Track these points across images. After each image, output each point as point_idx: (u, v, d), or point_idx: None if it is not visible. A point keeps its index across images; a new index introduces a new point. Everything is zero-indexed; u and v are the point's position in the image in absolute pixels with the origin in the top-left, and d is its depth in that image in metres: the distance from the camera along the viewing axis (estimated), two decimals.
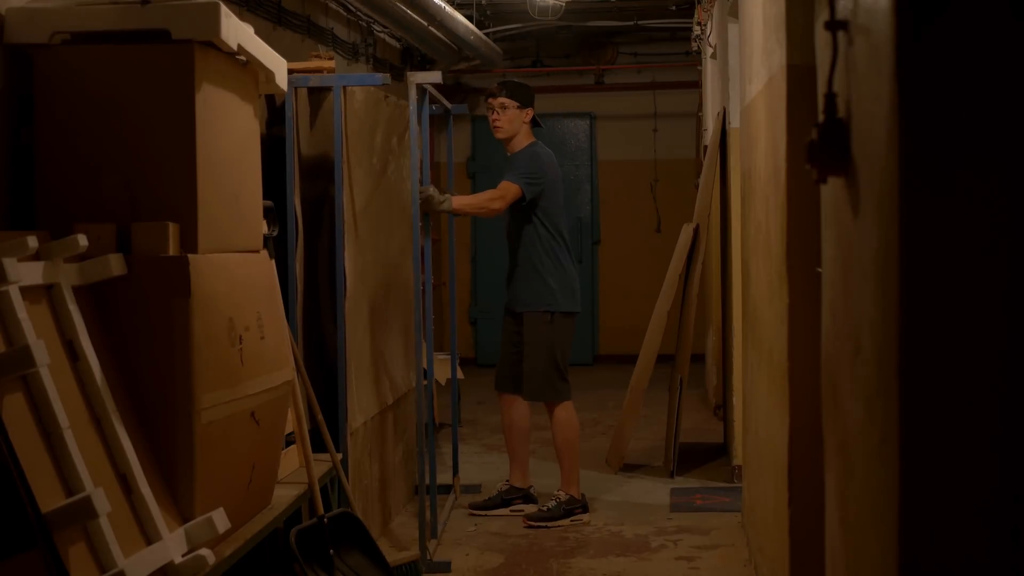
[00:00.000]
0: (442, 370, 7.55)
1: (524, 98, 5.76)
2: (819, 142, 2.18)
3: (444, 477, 6.54)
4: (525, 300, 5.70)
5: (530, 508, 5.78)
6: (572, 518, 5.63)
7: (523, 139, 5.76)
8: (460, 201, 5.59)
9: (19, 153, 3.45)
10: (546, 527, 5.54)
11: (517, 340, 5.78)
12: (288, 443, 4.38)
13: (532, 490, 5.91)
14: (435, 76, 5.11)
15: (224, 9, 3.48)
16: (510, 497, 5.86)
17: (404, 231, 5.89)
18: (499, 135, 5.78)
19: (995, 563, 1.70)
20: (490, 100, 5.77)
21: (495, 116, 5.75)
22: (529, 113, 5.74)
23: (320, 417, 4.61)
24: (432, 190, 5.40)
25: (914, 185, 1.72)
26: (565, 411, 5.73)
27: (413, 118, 5.05)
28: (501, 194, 5.58)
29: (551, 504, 5.67)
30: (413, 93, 5.00)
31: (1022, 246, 1.69)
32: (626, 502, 5.98)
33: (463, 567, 4.91)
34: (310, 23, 6.77)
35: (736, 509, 5.64)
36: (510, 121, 5.73)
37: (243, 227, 3.82)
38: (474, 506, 5.87)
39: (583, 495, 5.77)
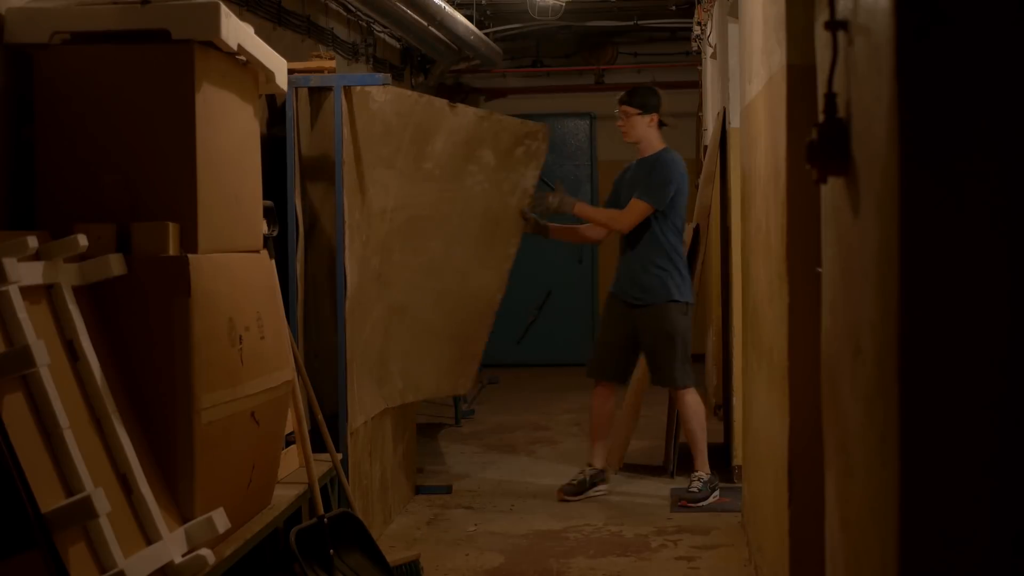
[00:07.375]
0: None
1: (645, 104, 6.00)
2: (819, 142, 2.18)
3: (444, 477, 6.55)
4: (653, 293, 5.92)
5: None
6: (713, 495, 5.86)
7: (651, 145, 6.05)
8: (584, 209, 6.01)
9: (19, 153, 3.45)
10: (700, 507, 5.76)
11: (631, 332, 5.99)
12: (288, 443, 4.38)
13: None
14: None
15: (224, 9, 3.48)
16: (596, 480, 6.11)
17: (480, 240, 5.66)
18: (626, 139, 6.11)
19: (995, 562, 1.70)
20: (619, 107, 6.07)
21: (620, 123, 6.06)
22: (654, 118, 6.01)
23: (320, 417, 4.61)
24: (549, 196, 5.86)
25: (914, 185, 1.72)
26: (692, 395, 5.99)
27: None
28: (631, 214, 5.93)
29: (698, 485, 5.87)
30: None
31: (1022, 246, 1.69)
32: (626, 502, 5.98)
33: (463, 567, 4.91)
34: (310, 23, 6.77)
35: (736, 509, 5.63)
36: (633, 127, 6.01)
37: (243, 227, 3.82)
38: (567, 491, 6.01)
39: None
